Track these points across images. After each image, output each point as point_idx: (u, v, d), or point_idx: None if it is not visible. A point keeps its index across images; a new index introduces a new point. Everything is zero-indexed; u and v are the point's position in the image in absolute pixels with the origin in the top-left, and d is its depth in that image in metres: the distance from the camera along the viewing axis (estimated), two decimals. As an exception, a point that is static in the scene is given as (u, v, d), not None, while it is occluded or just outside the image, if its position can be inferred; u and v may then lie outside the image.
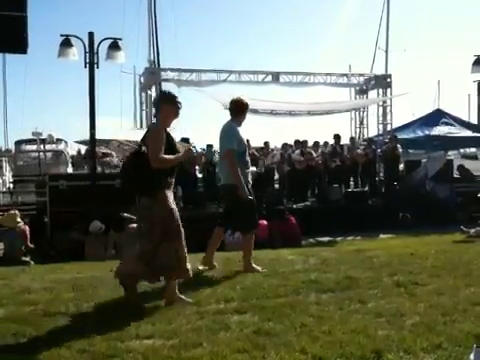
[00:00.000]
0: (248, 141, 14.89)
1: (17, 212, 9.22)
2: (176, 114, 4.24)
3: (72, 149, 19.99)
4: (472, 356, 2.53)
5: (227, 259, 6.07)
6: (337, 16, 69.12)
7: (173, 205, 4.15)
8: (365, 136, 18.90)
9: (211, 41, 77.21)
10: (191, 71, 16.60)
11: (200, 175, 14.88)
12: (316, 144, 15.53)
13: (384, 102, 18.08)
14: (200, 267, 5.40)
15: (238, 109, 5.44)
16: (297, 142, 15.37)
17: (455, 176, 15.22)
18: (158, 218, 4.02)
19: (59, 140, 19.80)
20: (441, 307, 3.71)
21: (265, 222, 11.00)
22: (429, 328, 3.24)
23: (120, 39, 11.85)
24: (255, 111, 16.32)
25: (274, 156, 15.31)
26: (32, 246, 8.97)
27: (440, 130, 16.56)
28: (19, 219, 9.01)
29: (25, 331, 3.44)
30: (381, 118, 18.20)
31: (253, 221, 5.53)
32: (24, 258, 8.68)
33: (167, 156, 4.06)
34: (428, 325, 3.30)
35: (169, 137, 4.16)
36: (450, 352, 2.83)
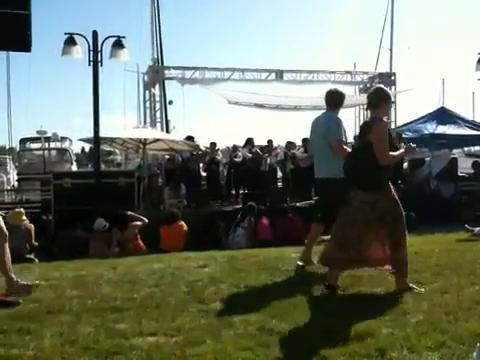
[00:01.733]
0: (252, 139, 14.97)
1: (22, 210, 9.25)
2: (389, 111, 4.46)
3: (76, 147, 20.06)
4: (475, 354, 2.53)
5: (231, 257, 6.08)
6: (342, 14, 68.93)
7: (396, 197, 4.32)
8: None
9: (214, 39, 77.24)
10: (194, 69, 16.58)
11: (204, 173, 14.89)
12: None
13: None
14: (299, 263, 5.25)
15: (334, 100, 5.36)
16: (302, 140, 15.35)
17: (463, 174, 15.15)
18: (382, 211, 4.17)
19: (64, 138, 19.88)
20: (445, 306, 3.70)
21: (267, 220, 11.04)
22: (433, 326, 3.23)
23: (124, 37, 11.85)
24: (260, 106, 16.32)
25: (278, 154, 15.30)
26: (36, 244, 9.00)
27: (444, 128, 16.49)
28: (24, 217, 9.04)
29: (29, 328, 3.45)
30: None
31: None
32: (28, 256, 8.71)
33: (393, 153, 4.21)
34: (432, 323, 3.29)
35: (388, 132, 4.29)
36: (454, 350, 2.82)
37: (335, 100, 5.38)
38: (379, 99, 4.32)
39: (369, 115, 4.51)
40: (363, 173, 4.19)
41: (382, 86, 4.72)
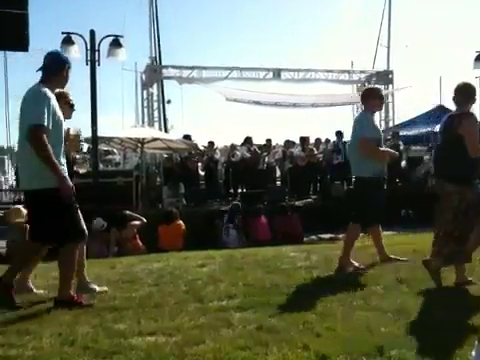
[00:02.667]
0: (250, 138, 14.97)
1: (21, 207, 9.24)
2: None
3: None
4: (474, 352, 2.53)
5: (230, 256, 6.08)
6: (339, 12, 68.89)
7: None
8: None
9: (212, 38, 77.13)
10: (192, 68, 16.59)
11: (202, 172, 14.90)
12: (318, 141, 15.52)
13: (386, 99, 18.04)
14: (351, 269, 5.11)
15: (367, 96, 5.30)
16: (300, 139, 15.38)
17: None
18: (469, 204, 4.20)
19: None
20: (444, 304, 3.71)
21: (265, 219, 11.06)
22: (432, 325, 3.23)
23: (121, 36, 11.86)
24: (258, 103, 16.33)
25: (276, 153, 15.32)
26: None
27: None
28: (24, 212, 9.04)
29: (28, 328, 3.45)
30: (383, 115, 18.18)
31: (376, 214, 5.23)
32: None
33: None
34: (431, 321, 3.30)
35: None
36: (453, 349, 2.83)
37: (363, 96, 5.36)
38: (466, 96, 4.39)
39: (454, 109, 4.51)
40: (454, 166, 4.22)
41: (468, 82, 4.74)
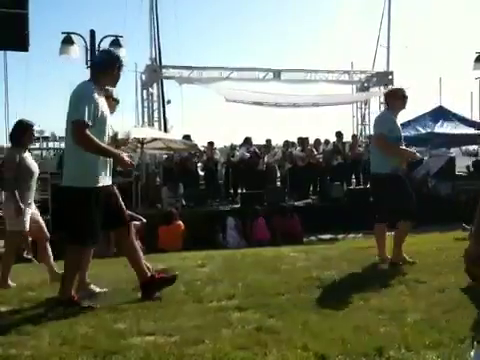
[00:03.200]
0: (250, 139, 14.97)
1: None
2: None
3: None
4: (473, 353, 2.53)
5: (229, 256, 6.08)
6: (339, 13, 68.97)
7: None
8: (367, 134, 18.87)
9: (213, 38, 77.18)
10: (192, 68, 16.59)
11: (202, 173, 14.89)
12: (317, 142, 15.54)
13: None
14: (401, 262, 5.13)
15: (391, 95, 5.37)
16: (299, 139, 15.38)
17: (460, 173, 15.17)
18: None
19: (62, 138, 19.84)
20: (443, 304, 3.71)
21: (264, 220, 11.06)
22: (431, 325, 3.24)
23: (121, 37, 11.87)
24: (259, 103, 16.33)
25: (276, 153, 15.32)
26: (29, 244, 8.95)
27: (442, 127, 16.54)
28: None
29: (27, 328, 3.45)
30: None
31: (410, 206, 5.20)
32: (26, 256, 8.69)
33: None
34: (430, 322, 3.30)
35: None
36: (452, 349, 2.83)
37: (388, 98, 5.43)
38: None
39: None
40: None
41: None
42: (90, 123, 3.80)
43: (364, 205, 13.15)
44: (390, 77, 18.14)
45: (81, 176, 3.90)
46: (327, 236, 11.13)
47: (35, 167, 5.27)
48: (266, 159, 14.74)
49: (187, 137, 14.45)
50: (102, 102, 4.00)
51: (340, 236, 11.35)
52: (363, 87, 18.58)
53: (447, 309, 3.57)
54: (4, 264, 5.12)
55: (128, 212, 9.83)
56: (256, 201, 12.14)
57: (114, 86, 4.30)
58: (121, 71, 4.17)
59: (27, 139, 5.16)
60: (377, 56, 23.11)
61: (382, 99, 18.28)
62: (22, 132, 5.10)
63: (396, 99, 5.31)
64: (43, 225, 5.35)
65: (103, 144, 3.90)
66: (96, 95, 3.93)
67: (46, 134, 18.64)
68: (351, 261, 5.47)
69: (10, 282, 5.05)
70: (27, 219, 5.08)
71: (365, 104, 19.20)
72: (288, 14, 78.49)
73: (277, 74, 17.15)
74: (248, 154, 14.27)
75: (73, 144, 3.85)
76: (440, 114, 17.58)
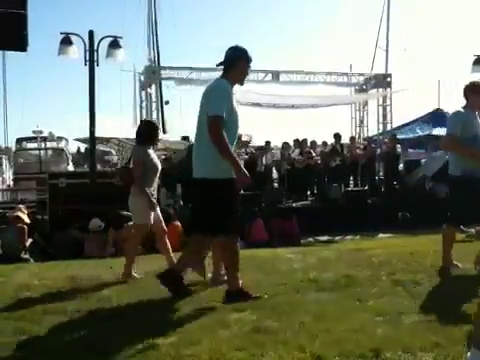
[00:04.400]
0: (244, 137, 14.96)
1: (23, 208, 9.30)
2: None
3: (73, 147, 20.02)
4: (469, 354, 2.54)
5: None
6: (338, 15, 69.05)
7: None
8: (365, 135, 18.92)
9: (211, 40, 77.13)
10: (191, 69, 16.60)
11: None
12: (313, 143, 15.55)
13: (384, 102, 18.10)
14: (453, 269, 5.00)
15: (470, 90, 4.93)
16: (296, 141, 15.39)
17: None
18: None
19: (60, 138, 19.83)
20: (440, 306, 3.72)
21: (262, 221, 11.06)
22: (428, 327, 3.24)
23: (120, 37, 11.86)
24: (258, 104, 16.35)
25: (274, 155, 15.33)
26: (27, 244, 8.96)
27: (440, 130, 16.58)
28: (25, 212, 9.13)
29: (24, 328, 3.45)
30: (381, 117, 18.22)
31: (470, 215, 4.90)
32: (23, 256, 8.70)
33: None
34: (427, 324, 3.31)
35: None
36: (448, 351, 2.83)
37: (466, 93, 4.96)
38: None
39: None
40: None
41: None
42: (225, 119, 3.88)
43: (362, 207, 13.27)
44: (389, 79, 18.16)
45: (220, 167, 3.92)
46: (324, 237, 11.14)
47: (159, 164, 5.46)
48: (264, 160, 14.76)
49: (185, 138, 14.46)
50: (235, 101, 4.07)
51: (337, 237, 11.35)
52: (361, 89, 18.60)
53: (444, 311, 3.57)
54: (129, 257, 5.30)
55: (125, 212, 9.84)
56: (254, 202, 12.13)
57: (242, 83, 4.29)
58: (248, 67, 4.23)
59: (154, 138, 5.42)
60: (376, 58, 23.15)
61: (381, 101, 18.35)
62: (149, 131, 5.33)
63: (476, 95, 4.85)
64: (161, 218, 5.53)
65: (232, 149, 3.93)
66: (231, 93, 4.01)
67: (44, 134, 18.59)
68: (348, 262, 5.48)
69: (135, 274, 5.21)
70: (152, 213, 5.27)
71: (363, 106, 19.23)
72: (287, 16, 78.58)
73: (276, 75, 17.16)
74: (246, 156, 14.29)
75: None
76: (438, 116, 17.63)
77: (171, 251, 5.46)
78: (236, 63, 4.11)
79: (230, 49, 4.16)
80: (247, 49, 4.20)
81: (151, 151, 5.36)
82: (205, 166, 3.99)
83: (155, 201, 5.27)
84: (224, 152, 3.87)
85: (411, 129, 17.73)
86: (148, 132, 5.33)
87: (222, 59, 4.14)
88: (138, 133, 5.38)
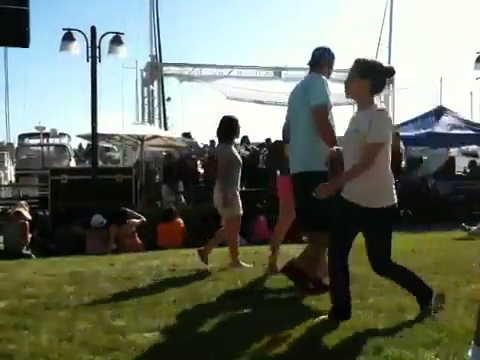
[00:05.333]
0: (247, 137, 14.97)
1: (25, 204, 9.32)
2: None
3: (75, 143, 20.04)
4: (470, 352, 2.53)
5: (228, 254, 6.08)
6: (341, 12, 68.82)
7: None
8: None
9: (213, 36, 76.96)
10: (193, 66, 16.59)
11: (201, 170, 14.89)
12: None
13: (386, 99, 18.06)
14: None
15: None
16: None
17: (459, 173, 15.18)
18: None
19: (62, 134, 19.85)
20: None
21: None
22: (429, 324, 3.24)
23: (122, 33, 11.86)
24: (259, 102, 16.35)
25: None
26: (29, 240, 8.98)
27: (442, 127, 16.52)
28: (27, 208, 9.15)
29: (26, 324, 3.46)
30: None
31: None
32: (25, 251, 8.72)
33: None
34: (428, 321, 3.30)
35: None
36: (450, 348, 2.83)
37: None
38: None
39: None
40: None
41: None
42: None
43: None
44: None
45: (319, 160, 3.88)
46: (327, 235, 11.11)
47: (240, 159, 5.60)
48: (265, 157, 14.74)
49: (187, 135, 14.46)
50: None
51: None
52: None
53: (445, 308, 3.57)
54: (233, 248, 5.48)
55: (128, 210, 9.84)
56: (256, 199, 12.12)
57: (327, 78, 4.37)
58: (332, 64, 4.37)
59: (235, 133, 5.57)
60: (378, 56, 23.07)
61: (383, 98, 18.31)
62: (231, 127, 5.45)
63: None
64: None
65: (335, 136, 3.95)
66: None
67: (46, 130, 18.59)
68: (350, 259, 5.47)
69: (243, 263, 5.37)
70: (240, 205, 5.48)
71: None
72: (290, 12, 78.38)
73: (278, 72, 17.14)
74: (247, 152, 14.29)
75: (312, 128, 3.93)
76: (440, 114, 17.56)
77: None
78: (321, 62, 4.26)
79: (317, 50, 4.32)
80: (329, 48, 4.39)
81: (233, 148, 5.53)
82: (308, 159, 3.99)
83: (237, 193, 5.49)
84: (328, 136, 3.92)
85: (413, 126, 17.64)
86: (228, 128, 5.45)
87: (309, 59, 4.31)
88: (218, 130, 5.51)
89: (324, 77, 4.17)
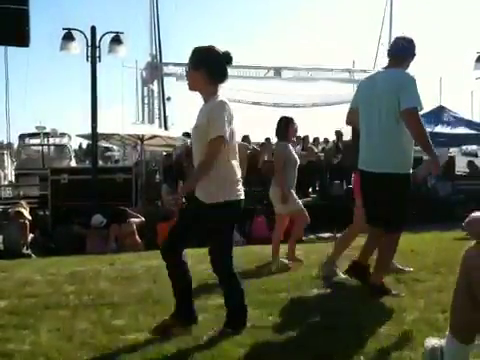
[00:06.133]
0: (248, 137, 14.96)
1: (25, 204, 9.32)
2: None
3: (75, 143, 20.04)
4: (445, 341, 2.49)
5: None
6: (340, 11, 68.85)
7: None
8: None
9: (213, 35, 77.02)
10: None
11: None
12: (316, 140, 15.53)
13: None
14: None
15: None
16: (298, 138, 15.37)
17: (459, 173, 15.18)
18: None
19: (62, 134, 19.86)
20: (441, 303, 3.71)
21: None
22: (430, 324, 3.24)
23: (122, 33, 11.86)
24: (258, 104, 16.35)
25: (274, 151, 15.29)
26: (29, 240, 8.98)
27: (442, 127, 16.52)
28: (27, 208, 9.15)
29: (26, 323, 3.46)
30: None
31: None
32: (25, 251, 8.72)
33: None
34: (429, 321, 3.30)
35: None
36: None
37: None
38: None
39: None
40: None
41: None
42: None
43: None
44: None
45: (404, 162, 3.99)
46: (326, 235, 11.12)
47: (297, 158, 5.75)
48: (266, 157, 14.73)
49: (187, 134, 14.44)
50: None
51: (339, 235, 11.31)
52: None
53: (446, 308, 3.56)
54: (294, 241, 5.63)
55: (126, 209, 9.84)
56: (255, 199, 12.12)
57: None
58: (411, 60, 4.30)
59: (292, 133, 5.68)
60: (378, 55, 23.08)
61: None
62: (287, 127, 5.57)
63: None
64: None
65: (429, 138, 3.95)
66: None
67: (47, 130, 18.60)
68: (350, 260, 5.47)
69: (298, 257, 5.52)
70: (298, 200, 5.62)
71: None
72: (290, 11, 78.42)
73: (278, 72, 17.15)
74: (248, 151, 14.27)
75: (397, 128, 3.88)
76: (441, 114, 17.55)
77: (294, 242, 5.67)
78: (408, 56, 4.25)
79: (404, 40, 4.28)
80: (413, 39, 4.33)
81: (290, 146, 5.66)
82: (391, 160, 3.98)
83: (293, 190, 5.58)
84: (424, 141, 3.91)
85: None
86: (285, 128, 5.56)
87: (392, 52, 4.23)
88: (277, 130, 5.62)
89: (412, 75, 4.06)
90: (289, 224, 5.73)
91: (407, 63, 4.22)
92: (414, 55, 4.26)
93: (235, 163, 3.21)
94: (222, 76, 3.26)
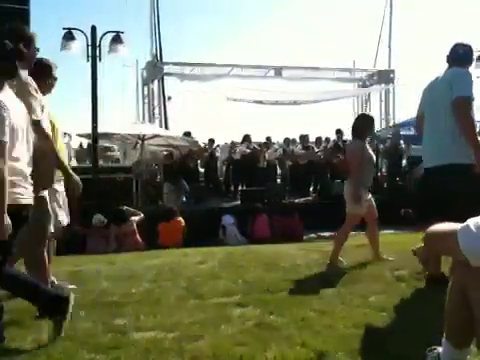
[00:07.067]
0: (249, 136, 14.97)
1: None
2: None
3: (75, 143, 20.01)
4: (441, 349, 2.51)
5: (229, 253, 6.09)
6: (341, 11, 68.70)
7: None
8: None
9: (214, 35, 76.96)
10: (193, 65, 16.59)
11: (202, 169, 14.90)
12: (318, 140, 15.53)
13: (387, 97, 18.06)
14: None
15: None
16: (301, 137, 15.39)
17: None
18: None
19: (64, 134, 19.85)
20: (442, 302, 3.70)
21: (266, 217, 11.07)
22: (430, 322, 3.23)
23: (122, 32, 11.86)
24: (259, 102, 16.34)
25: (276, 150, 15.32)
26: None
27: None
28: None
29: (26, 323, 3.45)
30: (384, 113, 18.19)
31: None
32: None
33: None
34: (429, 319, 3.30)
35: None
36: (451, 347, 2.82)
37: None
38: None
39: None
40: None
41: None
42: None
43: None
44: (392, 75, 18.13)
45: (469, 152, 3.88)
46: (327, 233, 11.12)
47: (373, 155, 5.74)
48: (267, 156, 14.75)
49: (188, 134, 14.45)
50: None
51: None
52: (364, 85, 18.57)
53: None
54: (338, 241, 5.51)
55: (126, 207, 9.84)
56: (256, 198, 12.14)
57: None
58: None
59: (369, 131, 5.68)
60: (379, 54, 23.05)
61: (383, 97, 18.32)
62: (366, 125, 5.54)
63: None
64: (374, 205, 5.69)
65: (476, 134, 3.89)
66: None
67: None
68: (351, 258, 5.48)
69: (340, 258, 5.33)
70: (364, 204, 5.44)
71: (366, 102, 19.20)
72: (290, 11, 78.29)
73: (278, 71, 17.14)
74: (248, 150, 14.28)
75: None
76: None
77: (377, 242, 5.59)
78: (466, 61, 4.21)
79: (464, 46, 4.24)
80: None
81: (367, 145, 5.60)
82: (461, 150, 3.91)
83: (363, 192, 5.41)
84: (469, 129, 3.85)
85: (414, 125, 17.65)
86: (363, 126, 5.50)
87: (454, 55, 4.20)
88: (353, 128, 5.58)
89: (469, 71, 4.08)
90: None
91: (466, 68, 4.20)
92: (471, 61, 4.28)
93: (21, 163, 2.99)
94: (7, 72, 3.04)
